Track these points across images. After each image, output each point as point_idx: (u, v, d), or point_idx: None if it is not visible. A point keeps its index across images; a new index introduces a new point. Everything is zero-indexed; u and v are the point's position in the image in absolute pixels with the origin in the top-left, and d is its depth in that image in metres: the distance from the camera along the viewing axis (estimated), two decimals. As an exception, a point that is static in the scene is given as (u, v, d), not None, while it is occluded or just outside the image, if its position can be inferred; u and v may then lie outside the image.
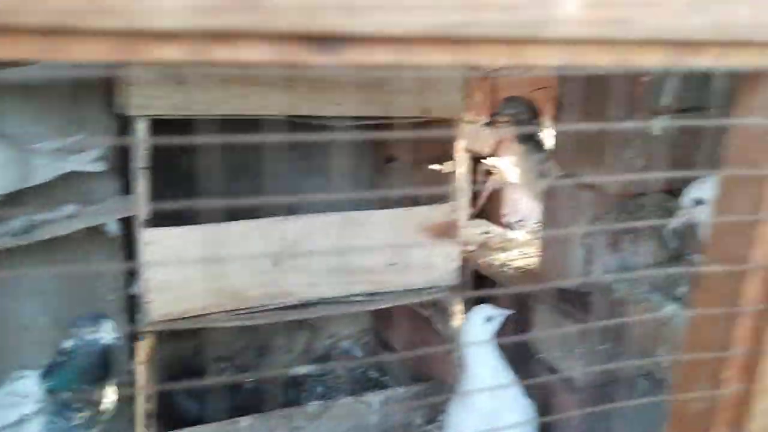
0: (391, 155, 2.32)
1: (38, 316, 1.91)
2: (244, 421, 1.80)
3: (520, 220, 2.40)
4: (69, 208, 1.82)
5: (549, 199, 1.76)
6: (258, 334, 2.33)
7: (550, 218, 1.77)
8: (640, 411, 1.39)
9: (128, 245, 1.94)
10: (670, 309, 1.25)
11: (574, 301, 1.60)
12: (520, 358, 1.72)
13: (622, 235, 1.49)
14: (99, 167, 1.83)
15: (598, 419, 1.56)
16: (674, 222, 1.25)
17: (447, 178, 1.96)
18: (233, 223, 1.70)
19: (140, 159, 1.63)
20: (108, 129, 1.91)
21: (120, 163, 1.92)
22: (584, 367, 1.55)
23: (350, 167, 2.38)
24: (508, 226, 2.41)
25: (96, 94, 1.88)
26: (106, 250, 1.93)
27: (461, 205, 1.95)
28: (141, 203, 1.65)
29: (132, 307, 1.97)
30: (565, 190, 1.61)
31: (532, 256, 2.05)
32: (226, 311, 1.76)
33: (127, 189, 1.93)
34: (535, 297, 1.77)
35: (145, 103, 1.60)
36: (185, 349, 2.17)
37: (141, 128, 1.61)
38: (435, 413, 1.98)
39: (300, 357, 2.46)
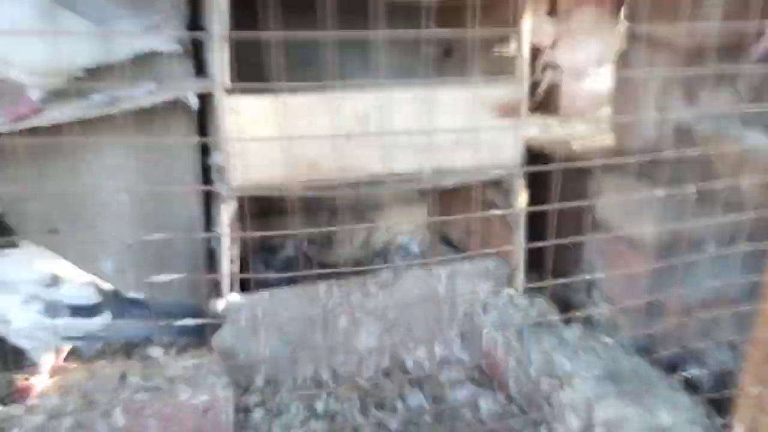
0: (450, 48, 2.34)
1: (119, 194, 2.00)
2: (322, 286, 1.88)
3: (578, 113, 2.43)
4: (148, 86, 1.89)
5: (622, 62, 1.77)
6: (320, 224, 2.40)
7: (622, 85, 1.79)
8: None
9: (201, 123, 2.01)
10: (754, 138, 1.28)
11: (649, 164, 1.63)
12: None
13: (698, 86, 1.51)
14: (175, 47, 1.89)
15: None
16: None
17: (509, 62, 1.98)
18: (311, 94, 1.76)
19: (220, 28, 1.68)
20: (181, 10, 1.96)
21: (192, 45, 1.98)
22: (655, 228, 1.60)
23: (405, 64, 2.40)
24: (566, 118, 2.44)
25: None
26: (182, 128, 1.99)
27: (526, 87, 1.98)
28: (224, 72, 1.70)
29: (208, 183, 2.05)
30: (638, 50, 1.63)
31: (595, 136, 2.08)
32: (302, 182, 1.83)
33: (198, 71, 2.00)
34: (603, 166, 1.81)
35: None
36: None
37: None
38: (500, 287, 2.05)
39: (359, 249, 2.53)
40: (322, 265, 2.23)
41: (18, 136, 1.73)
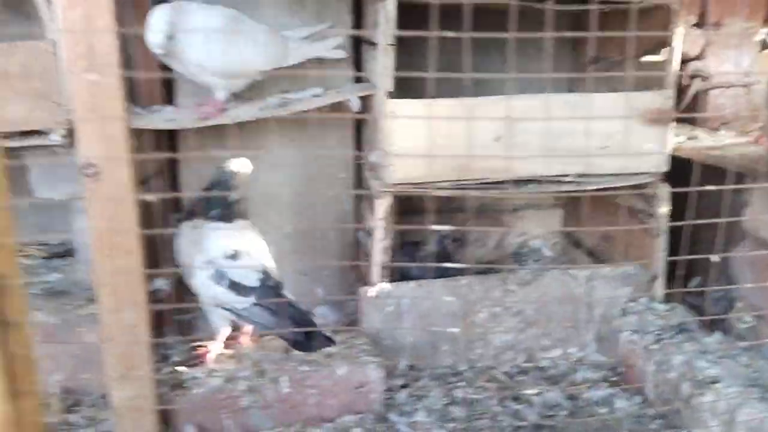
0: (596, 55, 2.38)
1: (282, 188, 2.20)
2: (464, 280, 2.00)
3: (724, 123, 2.40)
4: (314, 89, 2.08)
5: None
6: (455, 224, 2.50)
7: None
8: None
9: (358, 126, 2.18)
10: None
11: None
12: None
13: None
14: (340, 54, 2.06)
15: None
16: None
17: (658, 70, 2.01)
18: (463, 98, 1.87)
19: (387, 37, 1.83)
20: (346, 20, 2.14)
21: (354, 52, 2.15)
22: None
23: (549, 69, 2.46)
24: (714, 128, 2.41)
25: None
26: (341, 128, 2.17)
27: (673, 94, 2.00)
28: (387, 77, 1.85)
29: (360, 181, 2.22)
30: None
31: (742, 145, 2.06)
32: (451, 181, 1.94)
33: (358, 77, 2.17)
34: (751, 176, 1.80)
35: (393, -15, 1.79)
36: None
37: (390, 8, 1.80)
38: (639, 293, 2.07)
39: (493, 250, 2.62)
40: (462, 263, 2.34)
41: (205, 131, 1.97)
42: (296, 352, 1.78)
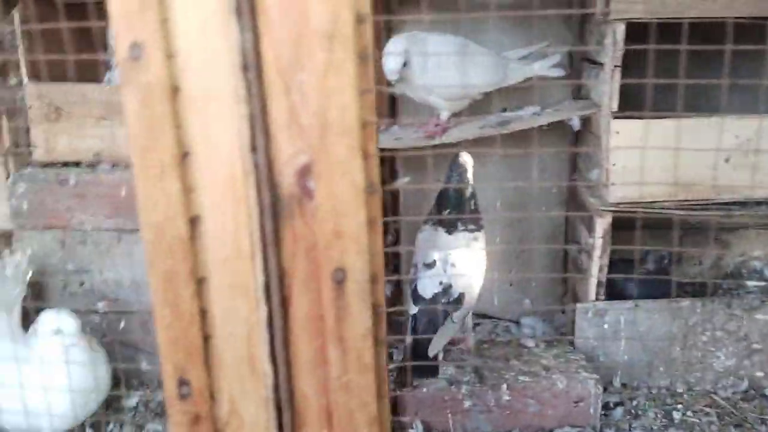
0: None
1: (494, 200, 2.29)
2: (684, 302, 1.97)
3: None
4: (533, 108, 2.15)
5: None
6: (669, 240, 2.44)
7: None
8: None
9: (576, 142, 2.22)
10: None
11: None
12: None
13: None
14: (559, 72, 2.11)
15: None
16: None
17: None
18: (691, 117, 1.84)
19: (615, 59, 1.85)
20: (565, 39, 2.18)
21: (573, 69, 2.19)
22: None
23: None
24: None
25: (558, 6, 2.15)
26: (556, 145, 2.22)
27: None
28: (613, 97, 1.88)
29: (572, 196, 2.25)
30: None
31: None
32: (676, 201, 1.92)
33: (578, 93, 2.20)
34: None
35: (625, 8, 1.81)
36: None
37: (620, 31, 1.82)
38: None
39: (708, 271, 2.52)
40: (680, 283, 2.29)
41: (427, 149, 2.11)
42: (514, 363, 1.87)
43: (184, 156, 0.75)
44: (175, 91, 0.73)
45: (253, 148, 0.75)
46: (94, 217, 2.04)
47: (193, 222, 0.77)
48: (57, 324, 1.70)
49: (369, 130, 0.75)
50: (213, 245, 0.77)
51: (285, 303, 0.78)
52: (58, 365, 1.64)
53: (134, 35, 0.71)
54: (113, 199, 2.02)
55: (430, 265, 1.86)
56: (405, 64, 1.93)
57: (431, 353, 1.77)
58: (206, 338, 0.79)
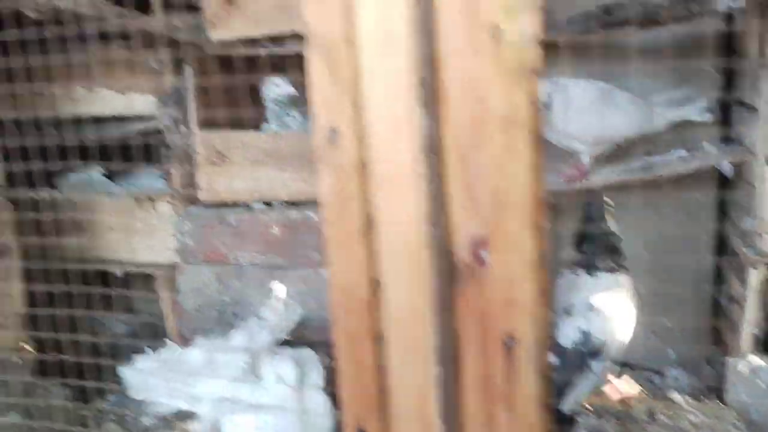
0: None
1: (637, 248, 2.24)
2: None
3: None
4: (678, 151, 2.09)
5: None
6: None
7: None
8: None
9: (728, 188, 2.13)
10: None
11: None
12: None
13: None
14: (706, 117, 2.04)
15: None
16: None
17: None
18: None
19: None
20: (713, 82, 2.11)
21: (723, 113, 2.12)
22: None
23: None
24: None
25: (704, 49, 2.09)
26: (704, 191, 2.15)
27: None
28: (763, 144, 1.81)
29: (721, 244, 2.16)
30: None
31: None
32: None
33: (728, 138, 2.12)
34: None
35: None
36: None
37: None
38: None
39: None
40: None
41: (566, 194, 2.11)
42: (660, 417, 1.82)
43: (369, 226, 0.83)
44: (363, 168, 0.82)
45: (432, 221, 0.81)
46: (249, 253, 2.21)
47: (375, 285, 0.84)
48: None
49: (540, 205, 0.79)
50: (392, 307, 0.84)
51: (456, 365, 0.83)
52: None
53: (331, 121, 0.80)
54: (266, 237, 2.18)
55: (568, 311, 1.84)
56: (548, 109, 1.96)
57: (567, 409, 1.75)
58: (382, 392, 0.86)
